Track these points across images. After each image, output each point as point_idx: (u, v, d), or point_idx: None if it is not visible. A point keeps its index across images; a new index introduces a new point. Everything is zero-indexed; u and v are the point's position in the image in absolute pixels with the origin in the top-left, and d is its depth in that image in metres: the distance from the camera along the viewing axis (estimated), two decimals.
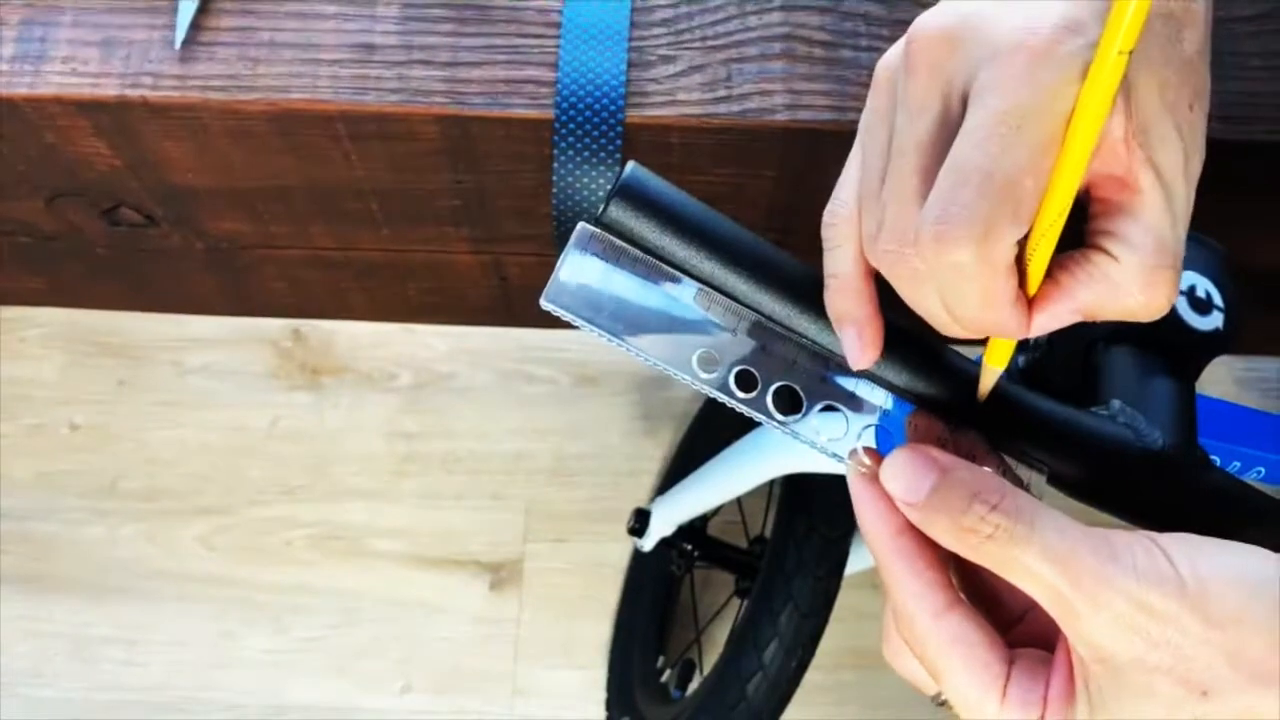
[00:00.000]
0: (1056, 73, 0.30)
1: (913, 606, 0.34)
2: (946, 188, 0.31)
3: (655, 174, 0.36)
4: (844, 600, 0.86)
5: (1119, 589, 0.30)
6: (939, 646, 0.33)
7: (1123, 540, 0.31)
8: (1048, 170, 0.30)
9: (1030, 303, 0.33)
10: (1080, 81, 0.29)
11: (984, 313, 0.32)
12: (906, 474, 0.34)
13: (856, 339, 0.35)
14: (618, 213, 0.35)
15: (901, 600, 0.34)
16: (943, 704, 0.37)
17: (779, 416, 0.36)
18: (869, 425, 0.37)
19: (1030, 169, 0.30)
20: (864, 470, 0.35)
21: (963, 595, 0.34)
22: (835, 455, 0.36)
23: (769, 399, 0.36)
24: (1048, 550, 0.31)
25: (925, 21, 0.33)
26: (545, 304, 0.36)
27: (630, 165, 0.35)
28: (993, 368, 0.35)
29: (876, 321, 0.35)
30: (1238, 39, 0.72)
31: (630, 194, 0.35)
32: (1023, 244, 0.32)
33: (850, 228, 0.35)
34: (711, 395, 0.36)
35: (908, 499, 0.33)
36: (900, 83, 0.34)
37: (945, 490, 0.33)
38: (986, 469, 0.34)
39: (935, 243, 0.31)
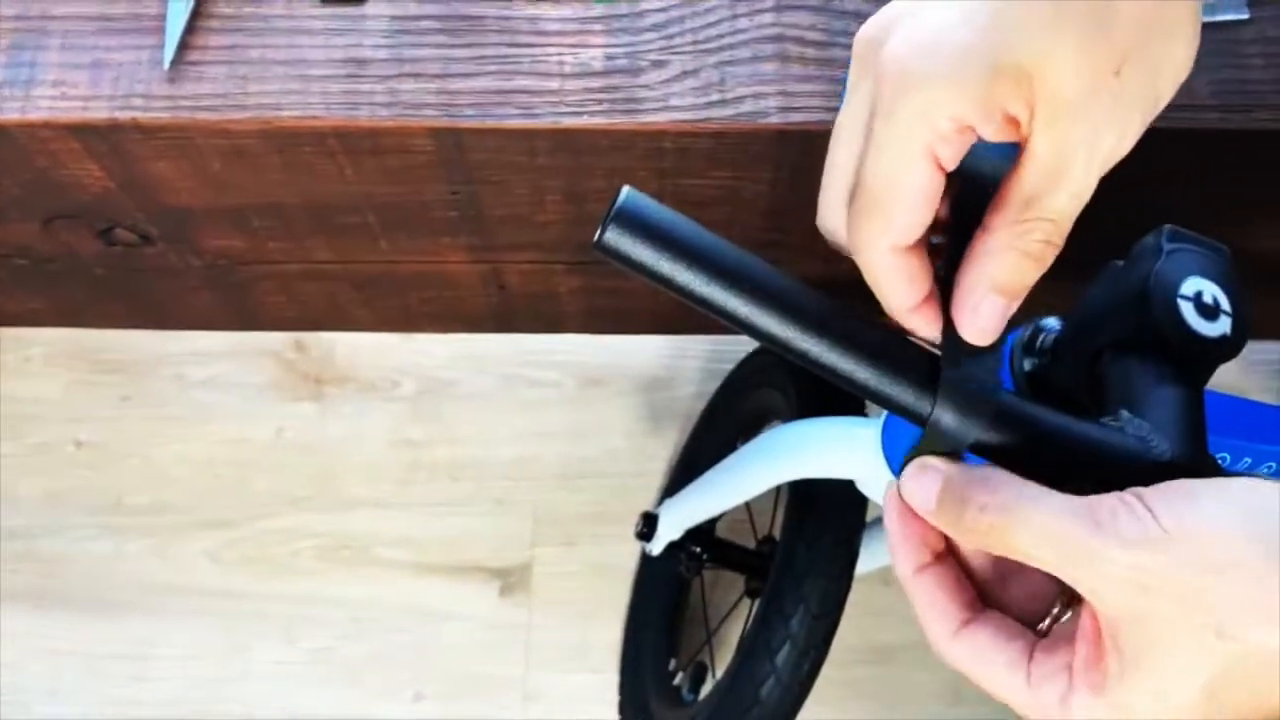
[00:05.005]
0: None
1: (932, 632, 0.38)
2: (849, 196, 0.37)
3: (650, 197, 0.36)
4: (857, 596, 0.85)
5: (1110, 557, 0.32)
6: (958, 660, 0.38)
7: (1107, 506, 0.33)
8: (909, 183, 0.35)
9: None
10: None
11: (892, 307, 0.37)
12: (913, 487, 0.37)
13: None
14: (615, 238, 0.35)
15: (924, 626, 0.38)
16: None
17: None
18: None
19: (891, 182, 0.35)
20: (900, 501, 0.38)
21: (979, 605, 0.38)
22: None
23: None
24: (1041, 534, 0.34)
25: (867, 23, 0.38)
26: None
27: (625, 190, 0.35)
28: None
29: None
30: (1234, 26, 0.72)
31: (626, 219, 0.35)
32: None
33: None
34: None
35: (923, 509, 0.37)
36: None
37: (945, 497, 0.36)
38: (981, 468, 0.36)
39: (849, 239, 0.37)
